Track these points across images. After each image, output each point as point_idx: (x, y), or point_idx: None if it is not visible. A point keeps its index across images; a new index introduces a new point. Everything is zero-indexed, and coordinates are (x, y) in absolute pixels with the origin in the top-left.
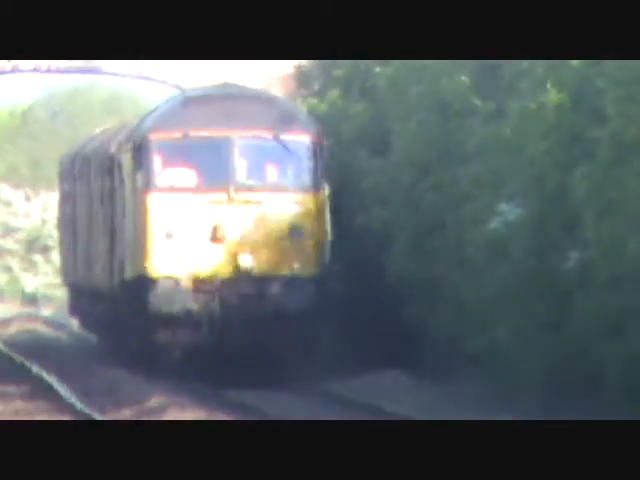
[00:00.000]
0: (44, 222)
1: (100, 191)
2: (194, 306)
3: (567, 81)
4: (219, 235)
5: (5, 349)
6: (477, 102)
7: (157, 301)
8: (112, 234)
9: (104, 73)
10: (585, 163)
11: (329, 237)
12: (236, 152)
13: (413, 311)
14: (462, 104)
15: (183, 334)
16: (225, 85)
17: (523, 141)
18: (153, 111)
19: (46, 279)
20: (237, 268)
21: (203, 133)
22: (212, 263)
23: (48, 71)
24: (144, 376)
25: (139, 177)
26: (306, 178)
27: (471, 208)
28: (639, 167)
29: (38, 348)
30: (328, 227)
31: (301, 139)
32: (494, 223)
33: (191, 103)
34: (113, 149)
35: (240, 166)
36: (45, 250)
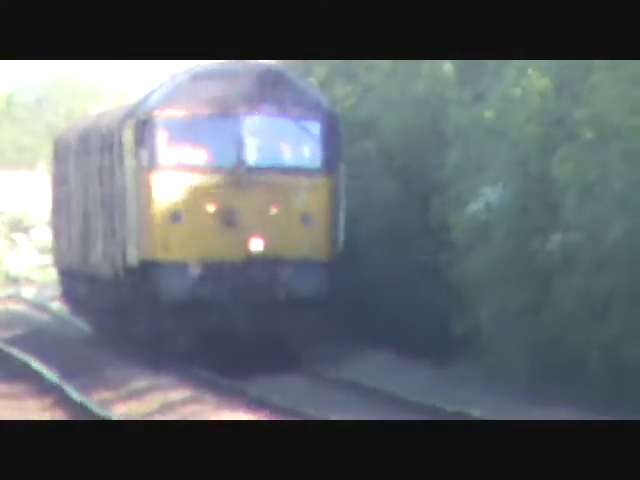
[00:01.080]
0: (25, 203)
1: (100, 171)
2: (203, 291)
3: (549, 66)
4: (229, 217)
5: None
6: (460, 88)
7: (163, 287)
8: (112, 216)
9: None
10: (567, 146)
11: (342, 220)
12: (246, 130)
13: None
14: (446, 89)
15: (191, 321)
16: (234, 62)
17: (506, 125)
18: (158, 87)
19: (28, 260)
20: (248, 252)
21: (211, 110)
22: (221, 247)
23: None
24: (151, 365)
25: (142, 155)
26: (319, 158)
27: (455, 191)
28: (620, 149)
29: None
30: (342, 210)
31: (314, 117)
32: (476, 205)
33: (199, 79)
34: (114, 126)
35: (250, 146)
36: (25, 230)
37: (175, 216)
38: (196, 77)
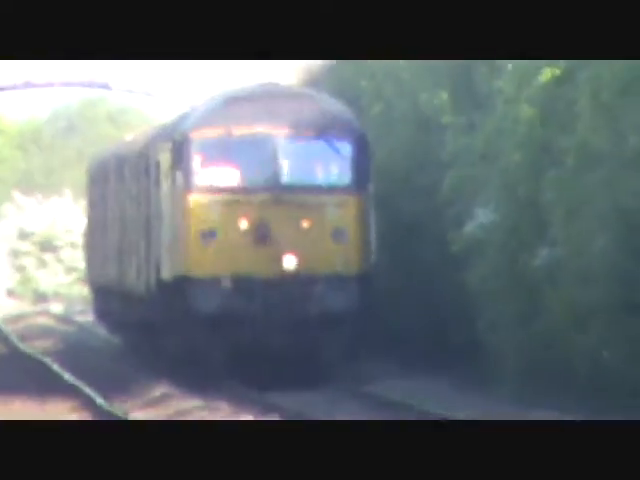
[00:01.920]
0: (54, 225)
1: (135, 192)
2: (236, 306)
3: (537, 97)
4: (261, 236)
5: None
6: (454, 117)
7: (197, 302)
8: (148, 235)
9: (111, 88)
10: (554, 171)
11: (373, 236)
12: (279, 151)
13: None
14: (440, 118)
15: (224, 335)
16: (267, 84)
17: (497, 152)
18: (193, 110)
19: (57, 278)
20: (280, 269)
21: (246, 131)
22: (254, 263)
23: (60, 85)
24: (182, 377)
25: (178, 176)
26: (350, 178)
27: (453, 211)
28: (602, 174)
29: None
30: (372, 226)
31: (345, 138)
32: (471, 225)
33: (233, 102)
34: (150, 149)
35: (283, 166)
36: (55, 250)
37: (209, 234)
38: (230, 100)
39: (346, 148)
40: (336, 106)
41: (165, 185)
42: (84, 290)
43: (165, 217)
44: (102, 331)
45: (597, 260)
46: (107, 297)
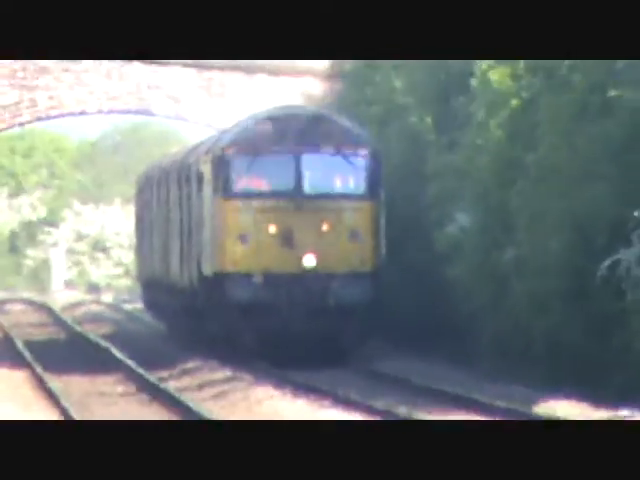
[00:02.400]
0: (105, 229)
1: (179, 199)
2: (265, 297)
3: (505, 122)
4: (287, 237)
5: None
6: (437, 136)
7: (232, 293)
8: (190, 237)
9: (154, 114)
10: (519, 183)
11: (384, 238)
12: (302, 165)
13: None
14: (426, 137)
15: (255, 321)
16: (290, 106)
17: (473, 167)
18: (229, 130)
19: (107, 272)
20: (302, 266)
21: (274, 148)
22: (280, 262)
23: (109, 112)
24: (217, 355)
25: (216, 187)
26: (364, 187)
27: (435, 214)
28: (558, 186)
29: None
30: (383, 229)
31: (360, 153)
32: (451, 227)
33: (263, 122)
34: (192, 162)
35: (305, 177)
36: (105, 249)
37: (243, 236)
38: (260, 120)
39: (361, 161)
40: (351, 125)
41: (206, 194)
42: (129, 282)
43: (205, 221)
44: (147, 318)
45: (553, 257)
46: (154, 289)
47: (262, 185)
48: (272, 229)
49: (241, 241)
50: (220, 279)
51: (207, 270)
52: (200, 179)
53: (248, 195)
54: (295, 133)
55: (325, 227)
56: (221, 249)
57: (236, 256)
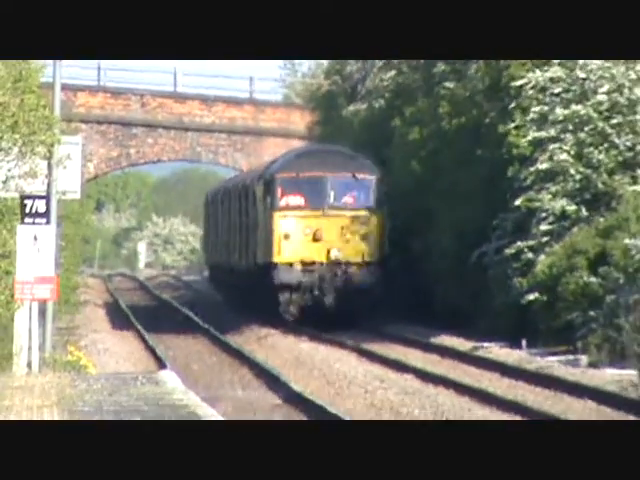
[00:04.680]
0: (172, 231)
1: (239, 209)
2: (303, 280)
3: (418, 161)
4: (317, 236)
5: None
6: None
7: (279, 276)
8: (247, 235)
9: (201, 161)
10: (428, 199)
11: (386, 237)
12: (328, 186)
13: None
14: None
15: (296, 297)
16: (321, 145)
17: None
18: (276, 160)
19: (172, 257)
20: (329, 257)
21: (308, 174)
22: (313, 254)
23: (174, 160)
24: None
25: (267, 201)
26: (372, 201)
27: None
28: (448, 202)
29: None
30: (386, 230)
31: (369, 177)
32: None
33: (301, 155)
34: (248, 183)
35: (330, 194)
36: (172, 243)
37: (286, 236)
38: (299, 154)
39: (370, 183)
40: (364, 158)
41: (260, 206)
42: (186, 263)
43: (259, 225)
44: (198, 285)
45: (445, 248)
46: (218, 271)
47: (300, 200)
48: (307, 231)
49: (285, 239)
50: (270, 267)
51: (260, 260)
52: (255, 196)
53: (290, 207)
54: (323, 164)
55: (344, 229)
56: (271, 245)
57: (281, 250)
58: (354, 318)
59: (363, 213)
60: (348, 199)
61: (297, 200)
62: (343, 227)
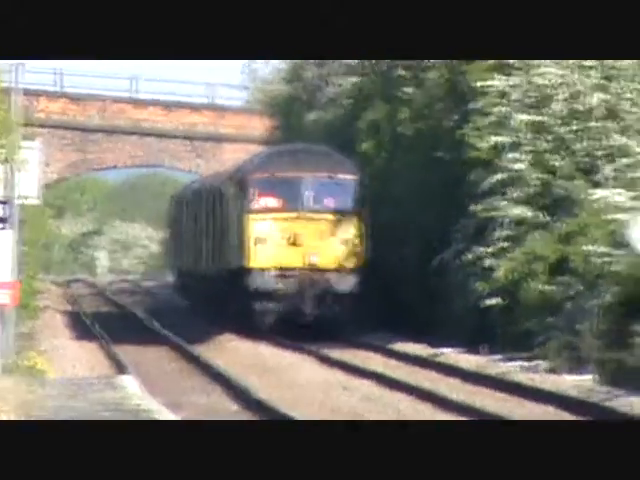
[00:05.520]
0: (129, 236)
1: (208, 212)
2: (278, 287)
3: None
4: (294, 241)
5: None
6: None
7: (253, 283)
8: (217, 239)
9: (161, 167)
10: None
11: (367, 242)
12: (305, 186)
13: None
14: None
15: (271, 305)
16: (297, 144)
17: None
18: (250, 160)
19: (130, 262)
20: (306, 262)
21: (283, 174)
22: (289, 259)
23: (133, 165)
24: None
25: (240, 203)
26: (351, 204)
27: None
28: (408, 210)
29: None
30: (367, 236)
31: (348, 178)
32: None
33: (276, 154)
34: (219, 184)
35: (307, 195)
36: (130, 248)
37: (261, 240)
38: (273, 154)
39: (350, 185)
40: (343, 157)
41: (232, 209)
42: (144, 268)
43: (232, 228)
44: (157, 290)
45: (406, 254)
46: (184, 277)
47: (275, 202)
48: (283, 235)
49: (260, 244)
50: (243, 272)
51: (233, 265)
52: (227, 197)
53: (265, 209)
54: (299, 164)
55: (322, 233)
56: (244, 250)
57: (256, 255)
58: (334, 328)
59: (343, 216)
60: (326, 201)
61: (272, 202)
62: (322, 231)
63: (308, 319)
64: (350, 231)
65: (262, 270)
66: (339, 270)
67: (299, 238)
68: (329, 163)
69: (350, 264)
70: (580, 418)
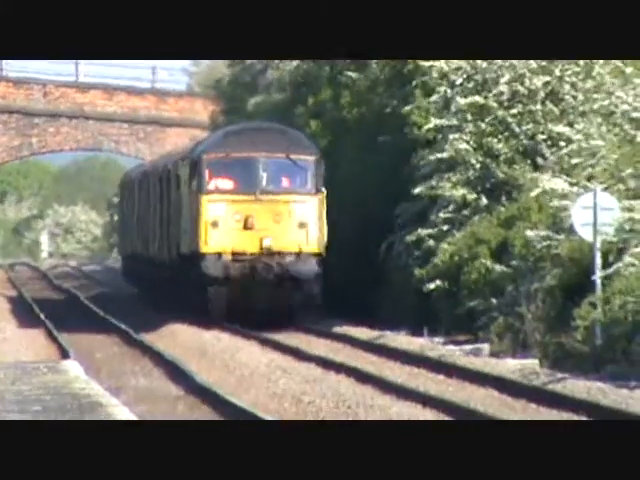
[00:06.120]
0: (72, 219)
1: (159, 194)
2: (232, 272)
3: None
4: (248, 224)
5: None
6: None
7: (206, 268)
8: (168, 222)
9: (103, 151)
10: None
11: (326, 225)
12: (260, 167)
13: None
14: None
15: (224, 290)
16: (254, 122)
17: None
18: (203, 140)
19: (73, 246)
20: (261, 246)
21: (238, 155)
22: (244, 243)
23: (77, 150)
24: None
25: (194, 184)
26: (309, 185)
27: None
28: (354, 201)
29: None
30: (325, 218)
31: (306, 158)
32: None
33: (230, 134)
34: (171, 165)
35: (263, 177)
36: (73, 232)
37: (214, 223)
38: (228, 133)
39: (308, 165)
40: (301, 136)
41: (184, 190)
42: (87, 253)
43: (184, 211)
44: (100, 276)
45: (350, 237)
46: (133, 262)
47: (229, 183)
48: (237, 217)
49: (213, 227)
50: (196, 257)
51: (185, 250)
52: (179, 179)
53: (218, 191)
54: (255, 143)
55: (278, 216)
56: (197, 233)
57: (208, 239)
58: (290, 315)
59: (300, 198)
60: (283, 182)
61: (226, 183)
62: (277, 213)
63: (261, 305)
64: (309, 214)
65: (215, 255)
66: (298, 254)
67: (254, 221)
68: (286, 143)
69: (310, 248)
70: (522, 401)
